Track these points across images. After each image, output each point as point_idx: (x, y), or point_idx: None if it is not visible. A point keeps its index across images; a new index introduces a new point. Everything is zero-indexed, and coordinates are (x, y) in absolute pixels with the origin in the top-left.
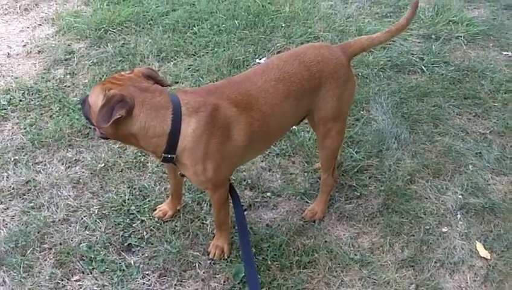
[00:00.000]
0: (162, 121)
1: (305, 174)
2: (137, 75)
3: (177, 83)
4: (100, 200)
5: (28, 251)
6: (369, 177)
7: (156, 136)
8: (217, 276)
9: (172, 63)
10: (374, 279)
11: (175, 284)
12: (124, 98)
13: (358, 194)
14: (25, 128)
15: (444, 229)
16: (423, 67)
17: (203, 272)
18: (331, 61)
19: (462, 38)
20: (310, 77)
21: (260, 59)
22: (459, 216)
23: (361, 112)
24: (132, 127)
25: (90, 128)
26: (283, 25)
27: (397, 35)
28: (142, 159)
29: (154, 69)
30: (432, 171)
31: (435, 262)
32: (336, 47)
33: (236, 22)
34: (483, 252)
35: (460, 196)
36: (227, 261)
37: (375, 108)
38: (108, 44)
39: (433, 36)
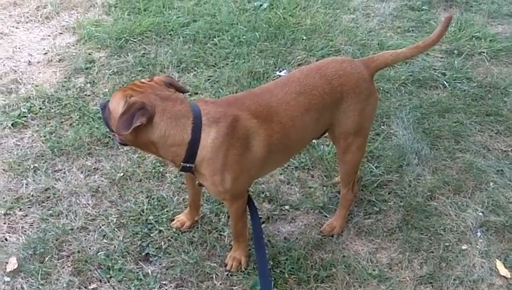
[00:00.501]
0: (182, 130)
1: (324, 188)
2: (158, 83)
3: (197, 93)
4: (119, 209)
5: (46, 258)
6: (389, 193)
7: (175, 144)
8: (234, 288)
9: (192, 73)
10: None
11: None
12: (144, 106)
13: (378, 209)
14: (44, 136)
15: (464, 247)
16: (445, 82)
17: (220, 284)
18: (353, 76)
19: (485, 54)
20: (331, 91)
21: (280, 71)
22: (479, 234)
23: (382, 127)
24: (152, 135)
25: (109, 136)
26: (304, 38)
27: (425, 51)
28: (161, 170)
29: (173, 77)
30: (453, 188)
31: (454, 279)
32: (359, 61)
33: (257, 33)
34: (504, 271)
35: (480, 214)
36: (245, 274)
37: (396, 123)
38: (129, 54)
39: (455, 51)
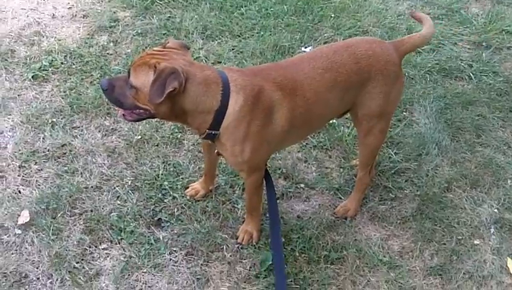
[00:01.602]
0: (213, 96)
1: (341, 169)
2: (177, 48)
3: (220, 62)
4: (134, 172)
5: (59, 215)
6: (406, 181)
7: (204, 111)
8: (244, 261)
9: (216, 42)
10: (401, 283)
11: (201, 264)
12: (176, 70)
13: (393, 196)
14: (64, 92)
15: (476, 242)
16: (471, 74)
17: (230, 255)
18: (382, 57)
19: None
20: (358, 71)
21: (306, 48)
22: (492, 230)
23: (404, 113)
24: (184, 102)
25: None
26: (332, 16)
27: None
28: (179, 136)
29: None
30: (470, 182)
31: (464, 273)
32: (389, 43)
33: (285, 7)
34: None
35: (496, 210)
36: (255, 248)
37: (418, 111)
38: (154, 16)
39: (484, 44)
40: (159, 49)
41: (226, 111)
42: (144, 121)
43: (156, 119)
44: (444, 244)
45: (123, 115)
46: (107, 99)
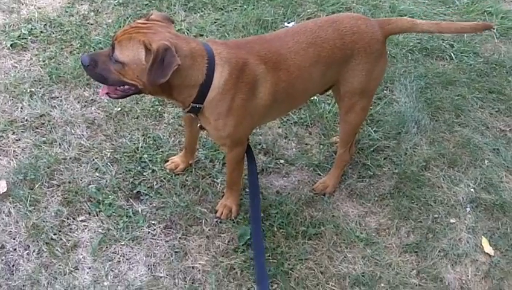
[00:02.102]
0: (198, 69)
1: (321, 146)
2: (161, 21)
3: (202, 35)
4: (113, 144)
5: (36, 185)
6: (384, 158)
7: (190, 85)
8: (222, 235)
9: (199, 14)
10: (377, 259)
11: (179, 237)
12: (168, 47)
13: (372, 173)
14: (43, 61)
15: (452, 220)
16: (452, 54)
17: (209, 230)
18: (366, 34)
19: (495, 30)
20: (342, 46)
21: (289, 23)
22: (468, 209)
23: (385, 92)
24: (172, 77)
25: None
26: None
27: (445, 33)
28: (159, 109)
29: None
30: (448, 161)
31: (439, 251)
32: (374, 21)
33: None
34: (488, 249)
35: (472, 190)
36: (234, 222)
37: (399, 89)
38: None
39: None
40: (142, 22)
41: (211, 84)
42: None
43: None
44: (421, 222)
45: (107, 93)
46: (88, 76)
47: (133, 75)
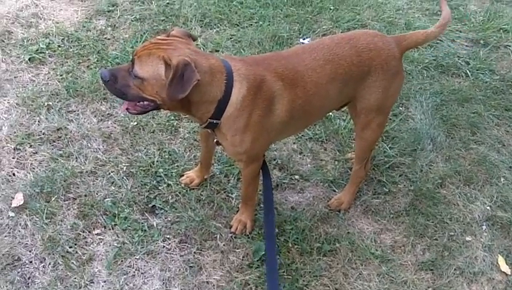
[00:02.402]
0: (217, 85)
1: (336, 162)
2: (180, 37)
3: (218, 51)
4: (129, 158)
5: (53, 198)
6: (400, 175)
7: (208, 101)
8: (237, 250)
9: (215, 30)
10: (392, 277)
11: (194, 252)
12: (188, 62)
13: (387, 190)
14: (61, 75)
15: (468, 238)
16: (468, 71)
17: (223, 245)
18: (383, 51)
19: (511, 48)
20: (359, 63)
21: (304, 39)
22: (484, 227)
23: (400, 108)
24: (192, 92)
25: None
26: (331, 8)
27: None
28: (175, 123)
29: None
30: (464, 179)
31: (455, 269)
32: (391, 38)
33: None
34: (504, 267)
35: (488, 207)
36: (248, 237)
37: (414, 106)
38: (153, 1)
39: (481, 42)
40: (162, 38)
41: (229, 100)
42: None
43: None
44: (436, 239)
45: (127, 109)
46: (108, 91)
47: (152, 90)
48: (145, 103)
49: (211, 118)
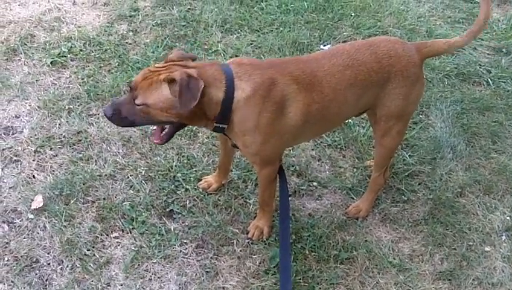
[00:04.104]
0: (217, 90)
1: (355, 169)
2: (175, 60)
3: (237, 56)
4: (148, 162)
5: (72, 201)
6: (419, 184)
7: (213, 104)
8: (253, 256)
9: (235, 36)
10: (410, 286)
11: (211, 257)
12: (189, 74)
13: (406, 198)
14: (82, 79)
15: (487, 249)
16: (489, 80)
17: (240, 250)
18: (403, 58)
19: None
20: (379, 70)
21: (325, 46)
22: (503, 237)
23: (420, 116)
24: (202, 101)
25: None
26: (352, 14)
27: (478, 36)
28: (194, 129)
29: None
30: (483, 188)
31: (473, 280)
32: (411, 45)
33: (305, 3)
34: None
35: (508, 217)
36: (265, 244)
37: (435, 114)
38: (174, 7)
39: (504, 50)
40: (160, 65)
41: (232, 104)
42: None
43: None
44: (455, 249)
45: (154, 140)
46: (115, 125)
47: (162, 113)
48: (166, 129)
49: (216, 122)
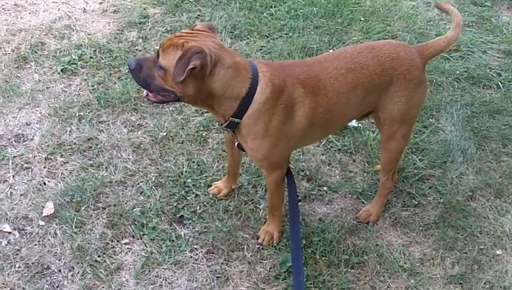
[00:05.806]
0: (242, 82)
1: (365, 174)
2: (205, 31)
3: None
4: (158, 168)
5: (82, 208)
6: (429, 187)
7: (231, 97)
8: (264, 261)
9: (245, 42)
10: None
11: (221, 263)
12: (202, 51)
13: (416, 202)
14: (92, 86)
15: (498, 252)
16: (499, 83)
17: (251, 256)
18: (405, 61)
19: None
20: (381, 73)
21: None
22: None
23: (430, 120)
24: (213, 85)
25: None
26: (362, 19)
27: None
28: (204, 134)
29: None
30: (494, 191)
31: (485, 283)
32: (413, 48)
33: (314, 8)
34: None
35: None
36: (276, 249)
37: (445, 118)
38: (184, 13)
39: None
40: (188, 31)
41: (252, 99)
42: (170, 118)
43: (181, 116)
44: (466, 253)
45: (147, 96)
46: (133, 79)
47: (172, 81)
48: (166, 93)
49: (233, 116)
